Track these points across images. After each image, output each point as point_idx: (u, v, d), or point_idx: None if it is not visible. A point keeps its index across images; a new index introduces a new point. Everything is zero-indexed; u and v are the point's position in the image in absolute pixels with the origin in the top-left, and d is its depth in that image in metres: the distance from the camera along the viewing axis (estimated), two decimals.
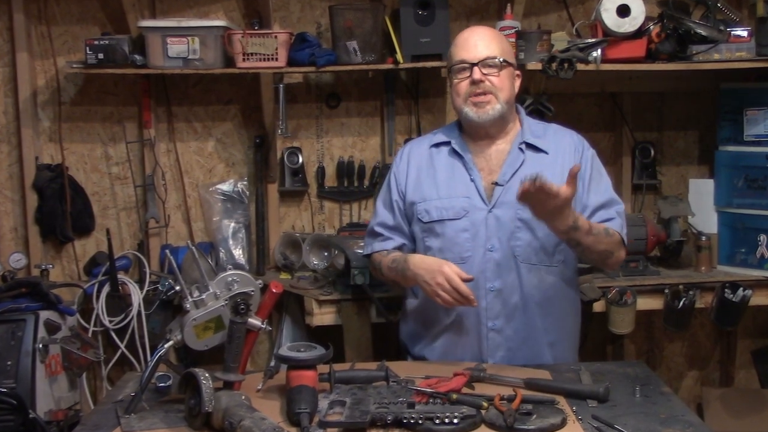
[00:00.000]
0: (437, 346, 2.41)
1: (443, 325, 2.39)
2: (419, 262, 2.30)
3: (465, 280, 2.19)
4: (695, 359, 3.83)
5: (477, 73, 2.30)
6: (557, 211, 2.10)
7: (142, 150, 3.49)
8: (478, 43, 2.33)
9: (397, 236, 2.47)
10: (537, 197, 2.06)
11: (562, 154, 2.38)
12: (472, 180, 2.36)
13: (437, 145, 2.46)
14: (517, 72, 2.43)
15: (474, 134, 2.41)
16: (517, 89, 2.41)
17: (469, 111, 2.33)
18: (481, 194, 2.34)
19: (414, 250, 2.44)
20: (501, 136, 2.40)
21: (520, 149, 2.37)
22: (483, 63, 2.31)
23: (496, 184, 2.33)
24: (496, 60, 2.31)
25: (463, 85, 2.33)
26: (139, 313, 3.26)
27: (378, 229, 2.49)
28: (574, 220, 2.16)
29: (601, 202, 2.35)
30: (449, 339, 2.39)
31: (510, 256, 2.31)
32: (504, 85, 2.33)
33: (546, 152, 2.37)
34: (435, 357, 2.41)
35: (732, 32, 3.14)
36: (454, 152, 2.41)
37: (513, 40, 3.12)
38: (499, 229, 2.31)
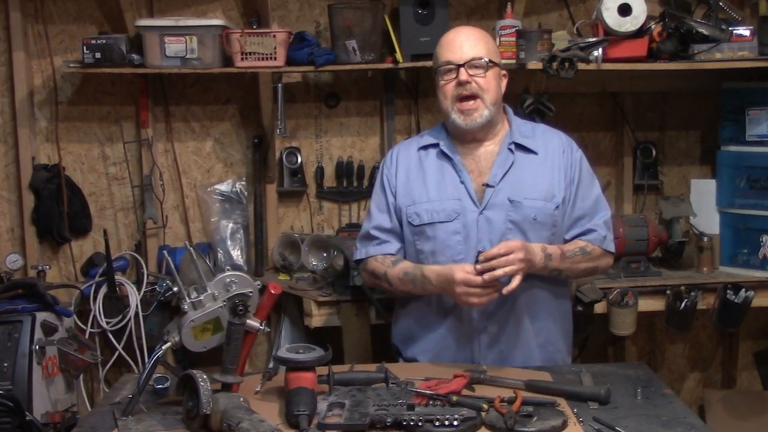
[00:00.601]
0: (429, 349, 2.39)
1: (435, 327, 2.37)
2: (435, 278, 2.25)
3: (479, 267, 2.16)
4: (697, 361, 3.82)
5: (463, 75, 2.29)
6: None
7: (140, 150, 3.47)
8: (464, 43, 2.32)
9: (394, 239, 2.43)
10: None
11: (551, 154, 2.37)
12: (462, 182, 2.34)
13: (425, 147, 2.44)
14: (504, 72, 2.41)
15: (461, 138, 2.40)
16: (503, 89, 2.40)
17: (457, 118, 2.32)
18: (472, 196, 2.33)
19: None
20: (489, 137, 2.39)
21: (510, 150, 2.36)
22: (469, 64, 2.29)
23: (487, 185, 2.32)
24: (482, 60, 2.30)
25: (450, 87, 2.32)
26: (136, 315, 3.24)
27: (374, 232, 2.45)
28: (543, 252, 2.23)
29: (584, 211, 2.37)
30: (441, 342, 2.37)
31: None
32: (490, 86, 2.32)
33: (535, 152, 2.37)
34: (427, 360, 2.39)
35: (734, 31, 3.14)
36: (443, 154, 2.39)
37: (513, 39, 3.11)
38: (490, 230, 2.30)
